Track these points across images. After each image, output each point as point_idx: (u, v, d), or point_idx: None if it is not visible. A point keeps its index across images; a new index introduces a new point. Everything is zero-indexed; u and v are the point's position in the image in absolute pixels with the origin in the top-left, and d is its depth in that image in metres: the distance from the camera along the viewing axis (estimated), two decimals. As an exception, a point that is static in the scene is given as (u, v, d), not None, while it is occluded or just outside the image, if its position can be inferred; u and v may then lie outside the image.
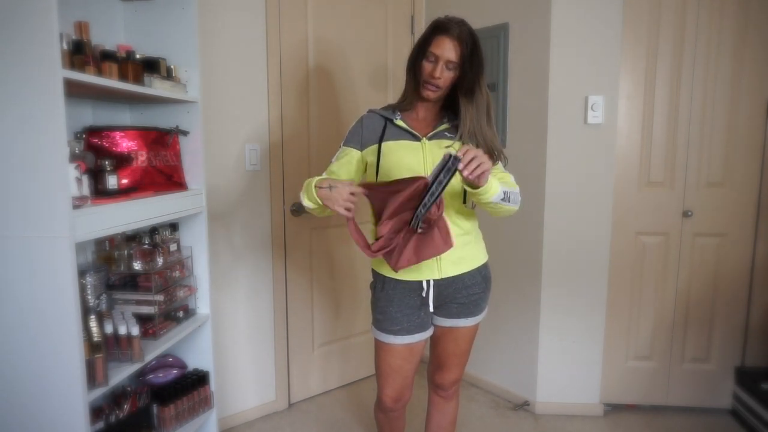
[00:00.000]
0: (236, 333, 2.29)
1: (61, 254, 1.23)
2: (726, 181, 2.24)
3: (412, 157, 1.44)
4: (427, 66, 1.40)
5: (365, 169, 1.54)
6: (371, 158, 1.49)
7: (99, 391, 1.35)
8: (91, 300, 1.51)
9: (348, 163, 1.51)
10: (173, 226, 1.82)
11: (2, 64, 1.19)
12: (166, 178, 1.70)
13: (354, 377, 2.77)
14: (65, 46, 1.30)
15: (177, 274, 1.76)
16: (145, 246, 1.68)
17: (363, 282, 2.73)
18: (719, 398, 2.37)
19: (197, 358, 1.90)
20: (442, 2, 2.69)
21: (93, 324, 1.37)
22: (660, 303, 2.34)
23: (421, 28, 2.78)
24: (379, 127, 1.48)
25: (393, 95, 2.73)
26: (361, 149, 1.50)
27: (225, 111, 2.15)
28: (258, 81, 2.24)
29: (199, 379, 1.86)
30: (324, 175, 1.47)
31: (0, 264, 1.26)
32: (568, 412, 2.40)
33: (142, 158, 1.60)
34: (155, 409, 1.72)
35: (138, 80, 1.54)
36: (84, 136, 1.53)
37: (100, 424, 1.56)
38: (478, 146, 1.40)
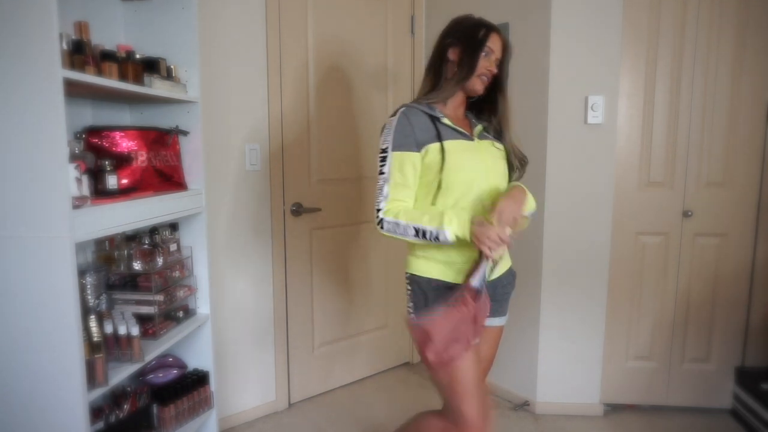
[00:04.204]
0: (236, 333, 2.29)
1: (61, 254, 1.23)
2: (726, 181, 2.24)
3: (474, 158, 1.42)
4: (484, 60, 1.42)
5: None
6: (432, 158, 1.38)
7: (99, 391, 1.35)
8: (91, 300, 1.51)
9: (414, 170, 1.39)
10: (173, 226, 1.82)
11: (2, 64, 1.19)
12: (166, 178, 1.70)
13: (354, 377, 2.77)
14: (65, 46, 1.30)
15: (177, 274, 1.76)
16: (145, 246, 1.68)
17: (363, 282, 2.73)
18: (719, 398, 2.37)
19: (197, 358, 1.90)
20: (442, 2, 2.69)
21: (93, 324, 1.37)
22: (660, 303, 2.34)
23: (421, 28, 2.78)
24: (430, 125, 1.40)
25: (393, 95, 2.73)
26: (419, 150, 1.39)
27: (225, 111, 2.15)
28: (258, 81, 2.24)
29: (199, 379, 1.86)
30: (398, 195, 1.40)
31: (0, 264, 1.26)
32: (568, 412, 2.40)
33: (142, 158, 1.60)
34: (155, 409, 1.72)
35: (138, 80, 1.54)
36: (84, 136, 1.53)
37: (100, 424, 1.56)
38: (512, 150, 1.53)
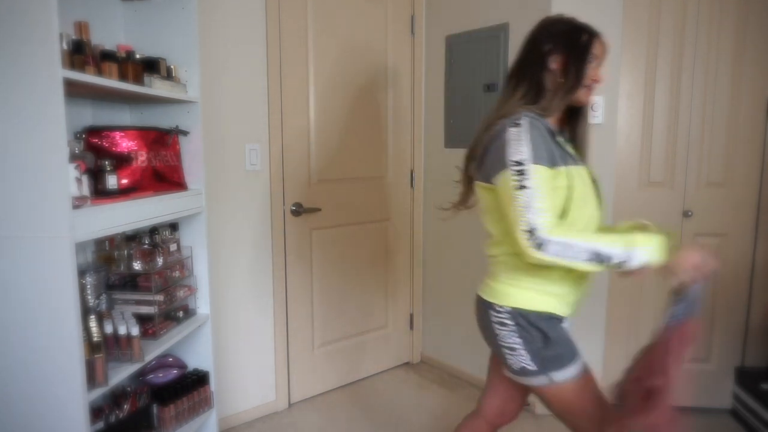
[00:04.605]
0: (236, 333, 2.29)
1: (61, 254, 1.23)
2: (726, 181, 2.24)
3: (587, 188, 1.27)
4: (593, 69, 1.29)
5: None
6: (559, 183, 1.20)
7: (99, 391, 1.35)
8: (91, 300, 1.51)
9: (554, 189, 1.18)
10: (173, 226, 1.82)
11: (2, 64, 1.19)
12: (166, 178, 1.70)
13: (354, 377, 2.77)
14: (65, 46, 1.30)
15: (177, 274, 1.76)
16: (145, 246, 1.68)
17: (363, 282, 2.73)
18: (719, 398, 2.37)
19: (197, 358, 1.90)
20: (442, 2, 2.69)
21: (93, 324, 1.37)
22: (660, 303, 2.34)
23: (421, 28, 2.78)
24: (552, 143, 1.21)
25: (393, 95, 2.73)
26: (551, 167, 1.19)
27: (225, 111, 2.15)
28: (258, 81, 2.24)
29: (199, 379, 1.86)
30: (553, 213, 1.16)
31: (0, 264, 1.26)
32: (568, 412, 2.40)
33: (142, 158, 1.60)
34: (155, 409, 1.73)
35: (138, 80, 1.54)
36: (84, 136, 1.53)
37: (100, 424, 1.56)
38: None
